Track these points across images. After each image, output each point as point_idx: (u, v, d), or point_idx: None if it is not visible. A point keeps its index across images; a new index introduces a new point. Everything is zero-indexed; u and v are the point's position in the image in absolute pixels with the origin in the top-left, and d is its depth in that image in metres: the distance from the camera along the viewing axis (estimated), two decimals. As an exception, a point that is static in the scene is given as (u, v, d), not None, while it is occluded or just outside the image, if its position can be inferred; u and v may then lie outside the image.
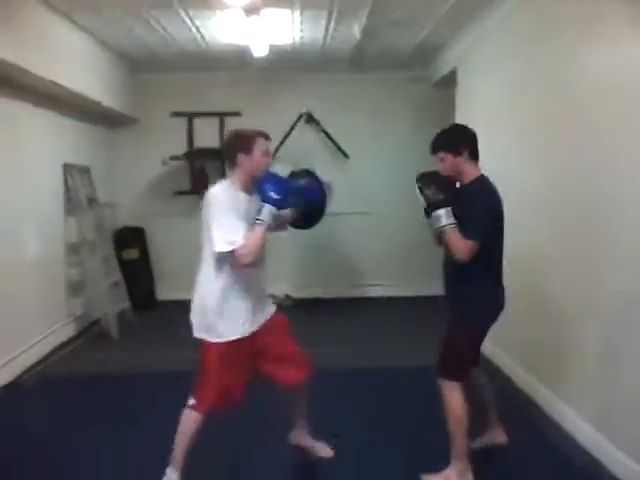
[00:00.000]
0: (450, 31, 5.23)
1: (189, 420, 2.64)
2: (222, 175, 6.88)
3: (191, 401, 2.64)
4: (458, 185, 2.71)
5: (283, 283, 6.81)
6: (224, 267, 2.49)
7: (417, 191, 2.64)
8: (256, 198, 2.48)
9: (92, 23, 4.84)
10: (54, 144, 5.25)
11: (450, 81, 5.85)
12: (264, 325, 2.71)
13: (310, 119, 6.75)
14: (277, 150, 6.67)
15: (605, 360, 2.99)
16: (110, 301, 5.53)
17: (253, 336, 2.65)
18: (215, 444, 2.98)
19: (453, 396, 2.67)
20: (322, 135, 6.82)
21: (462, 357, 2.71)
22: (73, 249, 5.47)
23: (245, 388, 2.68)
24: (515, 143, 4.22)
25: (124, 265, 6.22)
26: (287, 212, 2.82)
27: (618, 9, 2.84)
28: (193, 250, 7.26)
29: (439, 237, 2.67)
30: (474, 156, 2.65)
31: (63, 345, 5.12)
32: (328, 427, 3.18)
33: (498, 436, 3.05)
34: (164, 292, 6.92)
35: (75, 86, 4.84)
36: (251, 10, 4.41)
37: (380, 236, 6.96)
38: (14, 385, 4.20)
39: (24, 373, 4.40)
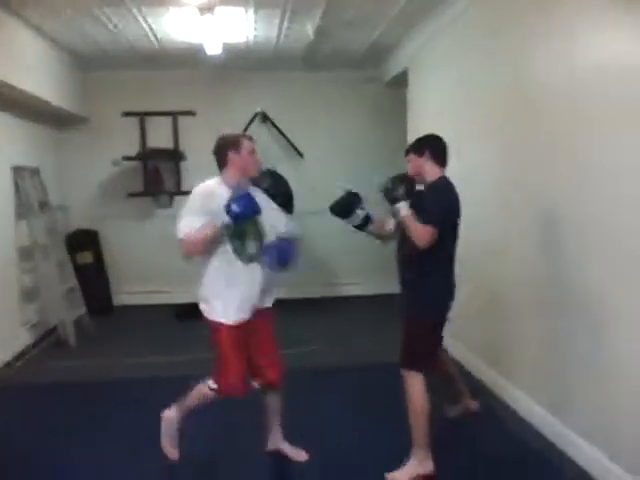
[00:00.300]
0: (403, 30, 5.32)
1: (203, 396, 2.83)
2: (177, 176, 6.82)
3: (211, 384, 2.77)
4: (422, 186, 2.90)
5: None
6: (211, 257, 2.69)
7: (383, 191, 2.85)
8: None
9: (42, 20, 4.71)
10: (2, 146, 5.07)
11: (402, 81, 5.98)
12: (253, 320, 2.77)
13: (265, 119, 6.76)
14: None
15: (555, 348, 3.13)
16: (66, 307, 5.39)
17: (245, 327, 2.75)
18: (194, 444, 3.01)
19: (415, 387, 2.77)
20: (277, 134, 6.83)
21: (421, 348, 2.83)
22: (25, 254, 5.31)
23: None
24: (467, 140, 4.33)
25: (78, 269, 6.06)
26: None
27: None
28: (148, 253, 7.19)
29: (379, 235, 3.15)
30: (437, 160, 2.85)
31: (21, 354, 4.95)
32: (307, 425, 3.25)
33: (471, 404, 3.32)
34: (120, 296, 6.79)
35: (24, 85, 4.70)
36: (205, 8, 4.40)
37: (337, 235, 6.96)
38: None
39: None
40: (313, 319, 6.05)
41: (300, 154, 6.88)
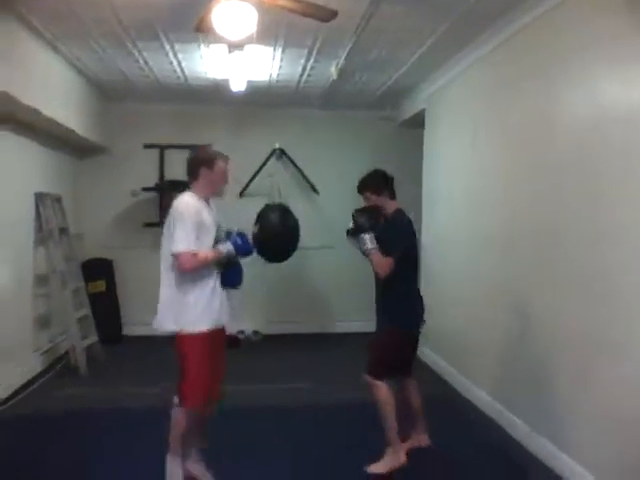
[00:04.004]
0: (423, 72, 5.43)
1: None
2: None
3: (175, 400, 2.86)
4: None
5: (252, 318, 6.75)
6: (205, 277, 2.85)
7: (351, 219, 3.31)
8: (214, 210, 2.98)
9: (72, 51, 4.80)
10: (25, 172, 5.13)
11: (419, 121, 6.08)
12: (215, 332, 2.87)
13: (282, 155, 6.84)
14: (248, 185, 6.72)
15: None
16: (79, 335, 5.36)
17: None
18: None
19: (381, 392, 3.19)
20: (293, 171, 6.91)
21: (389, 359, 3.25)
22: (41, 280, 5.31)
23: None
24: (481, 185, 4.43)
25: (90, 298, 6.04)
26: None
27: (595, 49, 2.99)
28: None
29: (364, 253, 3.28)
30: (392, 195, 3.37)
31: (31, 381, 4.88)
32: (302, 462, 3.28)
33: (422, 439, 3.50)
34: (130, 326, 6.75)
35: (52, 113, 4.74)
36: (236, 46, 4.51)
37: (347, 270, 6.95)
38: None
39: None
40: (305, 355, 5.98)
41: (316, 190, 6.95)
